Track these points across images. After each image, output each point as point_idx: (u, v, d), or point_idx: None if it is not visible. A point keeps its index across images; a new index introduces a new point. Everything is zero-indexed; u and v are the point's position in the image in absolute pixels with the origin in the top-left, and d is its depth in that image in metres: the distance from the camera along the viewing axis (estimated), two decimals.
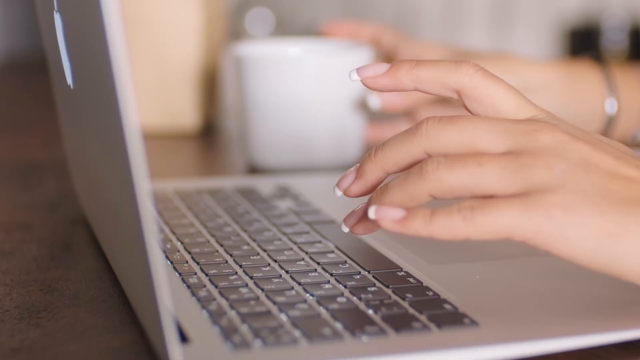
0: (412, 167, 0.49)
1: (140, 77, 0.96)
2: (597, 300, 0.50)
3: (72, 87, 0.52)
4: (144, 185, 0.38)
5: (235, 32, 2.68)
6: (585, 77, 0.83)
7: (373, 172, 0.50)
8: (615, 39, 3.09)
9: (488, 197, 0.47)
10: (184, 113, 0.97)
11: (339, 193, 0.52)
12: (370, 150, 0.50)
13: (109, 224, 0.51)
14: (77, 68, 0.48)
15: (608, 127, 0.83)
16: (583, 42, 3.07)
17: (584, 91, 0.82)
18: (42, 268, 0.58)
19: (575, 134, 0.49)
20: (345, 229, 0.51)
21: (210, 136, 0.98)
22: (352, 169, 0.51)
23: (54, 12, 0.52)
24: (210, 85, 1.01)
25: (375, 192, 0.50)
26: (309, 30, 2.84)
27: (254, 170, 0.81)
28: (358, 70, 0.51)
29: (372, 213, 0.48)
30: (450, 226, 0.46)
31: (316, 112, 0.79)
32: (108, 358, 0.46)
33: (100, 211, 0.54)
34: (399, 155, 0.49)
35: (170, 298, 0.40)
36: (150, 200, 0.39)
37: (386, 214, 0.48)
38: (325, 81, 0.79)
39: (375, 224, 0.49)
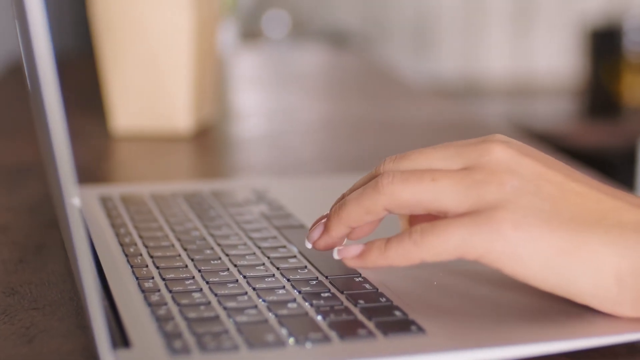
0: (369, 182, 0.50)
1: (133, 80, 0.97)
2: (550, 308, 0.49)
3: (30, 91, 0.52)
4: (71, 193, 0.38)
5: (252, 33, 2.70)
6: None
7: (338, 229, 0.52)
8: (637, 40, 3.06)
9: (441, 216, 0.48)
10: (177, 116, 0.98)
11: (309, 245, 0.54)
12: (335, 205, 0.52)
13: (64, 228, 0.52)
14: (29, 73, 0.49)
15: None
16: (605, 43, 3.06)
17: None
18: (8, 271, 0.59)
19: (526, 151, 0.49)
20: (309, 245, 0.53)
21: (203, 139, 0.99)
22: (321, 222, 0.53)
23: (15, 19, 0.53)
24: (205, 88, 1.01)
25: (333, 207, 0.52)
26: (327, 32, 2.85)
27: (212, 173, 0.82)
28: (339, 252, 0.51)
29: (335, 255, 0.51)
30: (403, 252, 0.48)
31: None
32: None
33: (60, 214, 0.55)
34: (360, 211, 0.50)
35: (100, 304, 0.40)
36: (78, 208, 0.39)
37: (347, 253, 0.50)
38: None
39: (333, 240, 0.52)
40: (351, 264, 0.50)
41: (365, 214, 0.50)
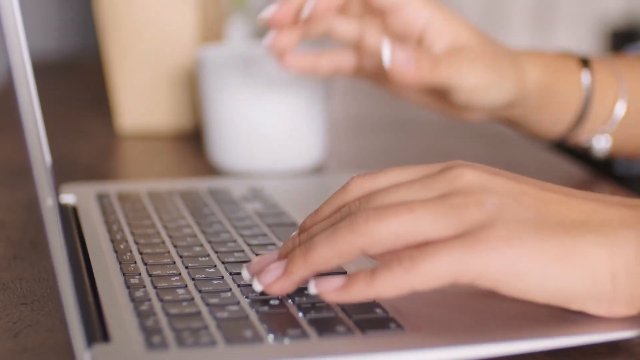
0: (340, 222, 0.47)
1: (138, 79, 0.97)
2: (531, 307, 0.49)
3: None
4: (47, 194, 0.38)
5: (266, 32, 2.69)
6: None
7: (303, 272, 0.47)
8: None
9: (426, 244, 0.46)
10: (182, 114, 0.98)
11: (259, 288, 0.49)
12: (300, 245, 0.48)
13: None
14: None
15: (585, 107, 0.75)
16: (625, 43, 3.04)
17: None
18: (2, 266, 0.59)
19: (495, 171, 0.48)
20: (259, 288, 0.49)
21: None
22: (277, 263, 0.48)
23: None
24: None
25: (299, 248, 0.47)
26: None
27: (214, 171, 0.83)
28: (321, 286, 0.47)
29: (312, 288, 0.46)
30: (393, 281, 0.45)
31: (275, 113, 0.80)
32: (39, 355, 0.47)
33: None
34: (332, 254, 0.46)
35: (74, 301, 0.40)
36: (53, 207, 0.39)
37: (327, 286, 0.46)
38: (285, 82, 0.79)
39: (293, 284, 0.48)
40: (332, 297, 0.46)
41: (338, 256, 0.46)
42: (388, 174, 0.50)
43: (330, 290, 0.46)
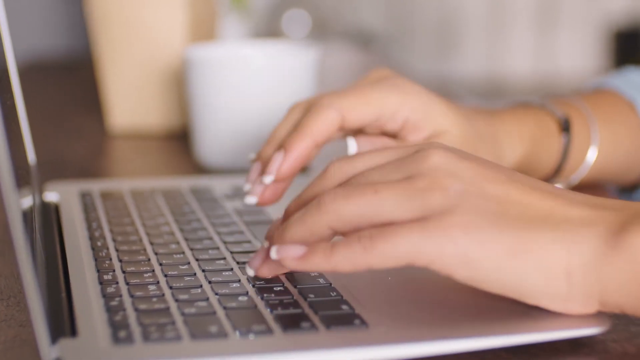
0: (311, 202, 0.50)
1: (129, 78, 0.98)
2: (496, 305, 0.50)
3: None
4: (12, 197, 0.39)
5: (272, 32, 2.71)
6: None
7: None
8: None
9: (388, 225, 0.47)
10: (173, 114, 0.99)
11: (252, 273, 0.52)
12: (275, 229, 0.51)
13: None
14: None
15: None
16: (629, 44, 3.04)
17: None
18: None
19: (464, 155, 0.49)
20: (251, 272, 0.52)
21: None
22: (262, 248, 0.52)
23: None
24: None
25: (276, 230, 0.50)
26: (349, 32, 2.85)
27: (201, 170, 0.84)
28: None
29: (273, 253, 0.49)
30: (350, 257, 0.47)
31: (261, 112, 0.81)
32: (11, 349, 0.48)
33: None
34: (304, 232, 0.49)
35: (38, 297, 0.41)
36: (18, 206, 0.40)
37: (287, 253, 0.48)
38: (270, 82, 0.81)
39: (280, 265, 0.50)
40: (292, 265, 0.48)
41: (310, 234, 0.48)
42: (365, 157, 0.51)
43: (290, 258, 0.48)
